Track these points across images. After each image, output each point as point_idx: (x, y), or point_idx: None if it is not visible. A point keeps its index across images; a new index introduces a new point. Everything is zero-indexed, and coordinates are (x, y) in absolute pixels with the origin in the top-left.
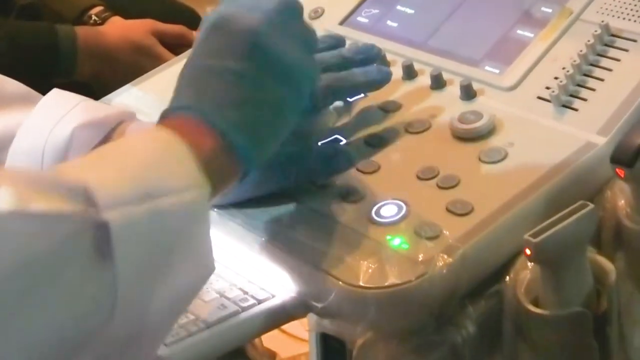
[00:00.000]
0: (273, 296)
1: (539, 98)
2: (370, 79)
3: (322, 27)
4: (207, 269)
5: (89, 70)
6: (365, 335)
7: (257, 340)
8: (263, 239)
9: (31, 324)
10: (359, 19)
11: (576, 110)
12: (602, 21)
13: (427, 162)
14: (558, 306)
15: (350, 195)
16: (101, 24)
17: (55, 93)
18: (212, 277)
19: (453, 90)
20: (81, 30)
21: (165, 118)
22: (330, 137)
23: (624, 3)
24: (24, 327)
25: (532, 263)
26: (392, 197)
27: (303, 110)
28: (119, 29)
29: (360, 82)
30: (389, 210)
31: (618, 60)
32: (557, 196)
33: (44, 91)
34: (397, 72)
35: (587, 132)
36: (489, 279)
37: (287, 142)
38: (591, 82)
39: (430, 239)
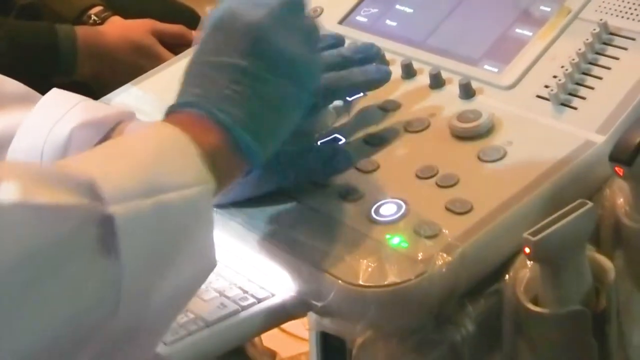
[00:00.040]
0: (273, 295)
1: (538, 97)
2: (370, 78)
3: (321, 27)
4: (209, 263)
5: (88, 70)
6: (365, 334)
7: (257, 339)
8: (263, 238)
9: (35, 316)
10: (358, 18)
11: (575, 108)
12: (601, 20)
13: (427, 161)
14: (557, 304)
15: (349, 194)
16: (101, 23)
17: (55, 93)
18: (212, 276)
19: (452, 89)
20: (81, 30)
21: (170, 114)
22: (330, 136)
23: (623, 1)
24: (28, 319)
25: (532, 261)
26: (391, 196)
27: (307, 106)
28: (119, 29)
29: (360, 81)
30: (388, 209)
31: (617, 58)
32: (556, 195)
33: (43, 91)
34: (396, 71)
35: (585, 131)
36: (489, 278)
37: (287, 142)
38: (590, 81)
39: (429, 237)
